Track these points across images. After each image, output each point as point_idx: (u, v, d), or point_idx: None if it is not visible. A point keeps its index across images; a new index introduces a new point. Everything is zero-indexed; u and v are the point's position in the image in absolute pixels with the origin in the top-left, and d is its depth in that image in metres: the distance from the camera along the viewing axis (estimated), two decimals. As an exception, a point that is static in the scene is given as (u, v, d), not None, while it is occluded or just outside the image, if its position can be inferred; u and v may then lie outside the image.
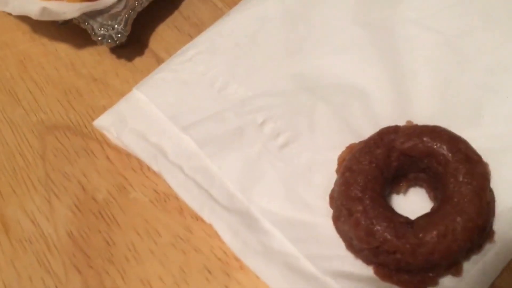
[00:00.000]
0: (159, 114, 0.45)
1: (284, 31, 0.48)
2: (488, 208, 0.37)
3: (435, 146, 0.39)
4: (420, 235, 0.36)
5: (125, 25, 0.49)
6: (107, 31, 0.49)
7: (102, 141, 0.47)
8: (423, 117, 0.42)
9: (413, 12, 0.48)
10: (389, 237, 0.36)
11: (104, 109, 0.48)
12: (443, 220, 0.36)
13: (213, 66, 0.47)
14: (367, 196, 0.37)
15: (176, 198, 0.43)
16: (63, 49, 0.53)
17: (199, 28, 0.52)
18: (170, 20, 0.54)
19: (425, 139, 0.39)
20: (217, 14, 0.52)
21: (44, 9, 0.48)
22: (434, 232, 0.36)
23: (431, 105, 0.44)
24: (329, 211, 0.41)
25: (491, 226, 0.38)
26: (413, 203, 0.41)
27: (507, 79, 0.44)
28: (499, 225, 0.39)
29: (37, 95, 0.50)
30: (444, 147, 0.38)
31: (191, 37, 0.51)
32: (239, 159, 0.43)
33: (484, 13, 0.47)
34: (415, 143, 0.39)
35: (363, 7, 0.49)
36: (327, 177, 0.41)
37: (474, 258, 0.38)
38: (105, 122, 0.46)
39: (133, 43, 0.52)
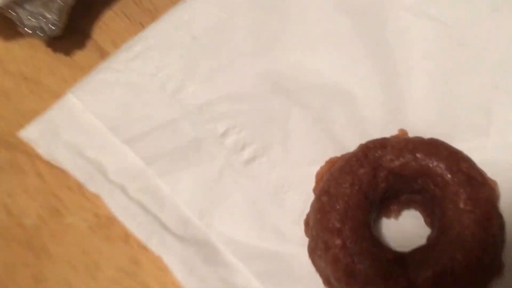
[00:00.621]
0: (98, 123, 0.44)
1: (253, 22, 0.47)
2: (494, 241, 0.36)
3: (431, 165, 0.37)
4: (412, 275, 0.35)
5: (59, 15, 0.48)
6: (38, 21, 0.48)
7: (32, 153, 0.45)
8: (420, 125, 0.42)
9: (409, -3, 0.47)
10: (373, 278, 0.35)
11: (36, 114, 0.46)
12: (440, 257, 0.35)
13: (165, 64, 0.46)
14: (347, 227, 0.36)
15: (121, 224, 0.42)
16: (-13, 43, 0.52)
17: (153, 15, 0.50)
18: (118, 6, 0.52)
19: (418, 155, 0.38)
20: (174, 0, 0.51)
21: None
22: (429, 273, 0.34)
23: (429, 110, 0.43)
24: (305, 240, 0.40)
25: (499, 258, 0.37)
26: (406, 229, 0.40)
27: None
28: (509, 256, 0.38)
29: (-45, 97, 0.49)
30: (442, 165, 0.37)
31: (143, 26, 0.50)
32: (196, 178, 0.42)
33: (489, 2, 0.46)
34: (407, 160, 0.38)
35: (348, -9, 0.48)
36: (303, 198, 0.41)
37: (480, 297, 0.37)
38: (32, 134, 0.45)
39: (73, 33, 0.50)
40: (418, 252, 0.36)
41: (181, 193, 0.42)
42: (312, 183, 0.41)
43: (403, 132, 0.41)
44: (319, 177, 0.40)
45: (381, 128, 0.42)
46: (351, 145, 0.41)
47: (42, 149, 0.45)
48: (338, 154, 0.41)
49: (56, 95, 0.47)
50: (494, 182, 0.39)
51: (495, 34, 0.45)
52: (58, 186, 0.45)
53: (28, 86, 0.49)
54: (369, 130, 0.42)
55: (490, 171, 0.39)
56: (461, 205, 0.36)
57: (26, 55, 0.51)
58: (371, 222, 0.38)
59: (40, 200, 0.44)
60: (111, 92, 0.45)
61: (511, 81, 0.43)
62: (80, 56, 0.50)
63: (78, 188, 0.44)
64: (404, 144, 0.38)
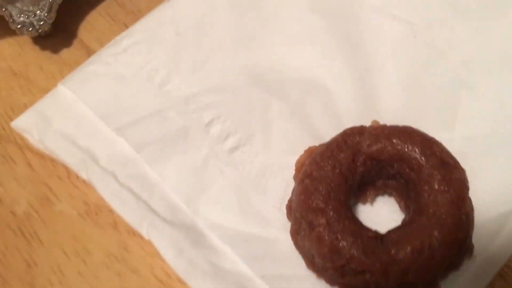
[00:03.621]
0: (89, 113, 0.44)
1: (233, 19, 0.47)
2: (467, 220, 0.36)
3: (406, 149, 0.37)
4: (392, 251, 0.34)
5: (48, 11, 0.47)
6: (28, 18, 0.47)
7: (22, 145, 0.45)
8: (391, 117, 0.41)
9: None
10: (356, 254, 0.34)
11: (25, 108, 0.46)
12: (418, 234, 0.34)
13: (152, 58, 0.46)
14: (330, 206, 0.35)
15: (110, 210, 0.42)
16: (-23, 40, 0.50)
17: (135, 16, 0.50)
18: (102, 7, 0.52)
19: (394, 141, 0.37)
20: (157, 1, 0.50)
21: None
22: (409, 248, 0.34)
23: (399, 103, 0.43)
24: (287, 224, 0.39)
25: (470, 240, 0.37)
26: (381, 214, 0.40)
27: (483, 74, 0.44)
28: (478, 238, 0.38)
29: None
30: (417, 150, 0.37)
31: (126, 26, 0.49)
32: (183, 165, 0.41)
33: (454, 1, 0.47)
34: (384, 145, 0.37)
35: (321, -8, 0.48)
36: (283, 184, 0.40)
37: (453, 276, 0.36)
38: (25, 123, 0.44)
39: (60, 32, 0.50)
40: (396, 231, 0.35)
41: (169, 179, 0.41)
42: (291, 171, 0.40)
43: (376, 123, 0.40)
44: (299, 165, 0.40)
45: (355, 119, 0.41)
46: (327, 135, 0.40)
47: (35, 138, 0.44)
48: (315, 143, 0.41)
49: (44, 90, 0.47)
50: (463, 170, 0.38)
51: (458, 34, 0.46)
52: (48, 175, 0.44)
53: (17, 81, 0.48)
54: (344, 122, 0.41)
55: (459, 158, 0.39)
56: (436, 186, 0.36)
57: (15, 52, 0.50)
58: (351, 205, 0.38)
59: (31, 188, 0.43)
60: (101, 83, 0.45)
61: (474, 78, 0.44)
62: (67, 53, 0.50)
63: (68, 177, 0.43)
64: (381, 131, 0.38)
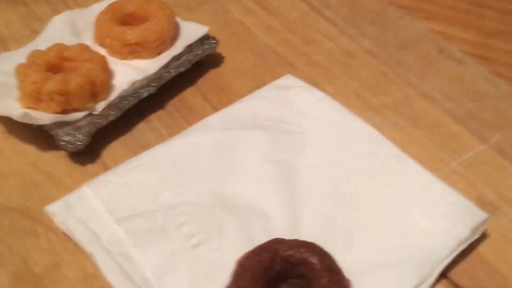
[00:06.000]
0: (100, 206, 0.52)
1: (211, 159, 0.57)
2: None
3: (307, 257, 0.47)
4: None
5: (86, 136, 0.57)
6: (70, 138, 0.57)
7: (47, 226, 0.53)
8: (309, 238, 0.49)
9: (312, 159, 0.59)
10: None
11: (55, 200, 0.54)
12: None
13: (151, 176, 0.55)
14: (252, 286, 0.46)
15: (100, 279, 0.49)
16: (30, 149, 0.60)
17: (145, 148, 0.59)
18: (122, 139, 0.62)
19: (301, 250, 0.47)
20: (162, 140, 0.59)
21: (26, 114, 0.58)
22: None
23: (315, 231, 0.51)
24: None
25: None
26: None
27: (372, 217, 0.54)
28: None
29: (1, 182, 0.57)
30: (314, 258, 0.47)
31: (136, 154, 0.58)
32: (158, 252, 0.49)
33: (362, 168, 0.59)
34: (294, 252, 0.47)
35: (274, 150, 0.60)
36: (227, 275, 0.47)
37: None
38: (55, 208, 0.52)
39: (88, 152, 0.59)
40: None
41: (146, 260, 0.49)
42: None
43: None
44: (239, 263, 0.49)
45: (284, 236, 0.48)
46: (263, 244, 0.49)
47: (58, 219, 0.54)
48: (253, 249, 0.50)
49: (71, 189, 0.55)
50: (349, 281, 0.49)
51: (360, 189, 0.56)
52: (60, 248, 0.51)
53: (52, 182, 0.57)
54: (275, 236, 0.48)
55: (349, 274, 0.49)
56: (324, 283, 0.46)
57: (54, 161, 0.60)
58: (269, 292, 0.48)
59: (47, 256, 0.51)
60: (113, 188, 0.53)
61: (366, 219, 0.53)
62: (90, 167, 0.59)
63: (74, 251, 0.51)
64: (294, 242, 0.48)
